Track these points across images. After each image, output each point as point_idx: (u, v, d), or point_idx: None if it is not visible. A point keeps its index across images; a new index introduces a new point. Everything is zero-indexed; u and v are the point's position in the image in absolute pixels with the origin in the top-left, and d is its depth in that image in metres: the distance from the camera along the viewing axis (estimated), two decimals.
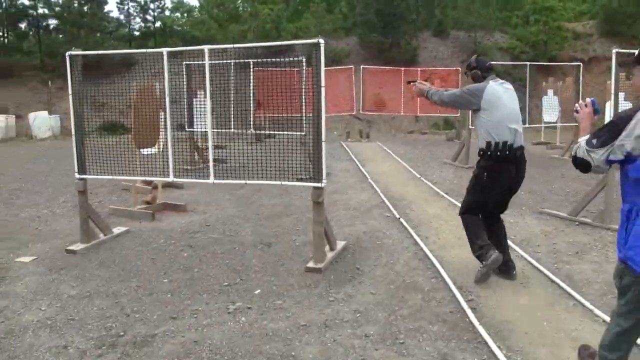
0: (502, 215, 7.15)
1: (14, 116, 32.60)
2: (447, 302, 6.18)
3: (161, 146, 9.96)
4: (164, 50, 8.09)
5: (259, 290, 6.61)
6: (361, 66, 26.59)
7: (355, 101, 25.55)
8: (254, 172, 7.93)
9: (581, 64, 21.22)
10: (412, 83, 7.64)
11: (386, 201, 11.37)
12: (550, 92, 21.07)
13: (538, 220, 9.90)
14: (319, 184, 7.28)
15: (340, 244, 8.23)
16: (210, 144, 8.18)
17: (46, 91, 39.15)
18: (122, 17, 46.42)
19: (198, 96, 15.05)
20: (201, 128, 15.20)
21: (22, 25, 43.54)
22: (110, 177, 8.72)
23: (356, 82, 25.80)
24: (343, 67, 27.75)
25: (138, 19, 46.66)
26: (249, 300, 6.30)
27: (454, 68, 26.32)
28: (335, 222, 9.71)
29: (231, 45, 7.92)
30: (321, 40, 6.98)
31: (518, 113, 6.77)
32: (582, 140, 4.07)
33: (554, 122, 21.59)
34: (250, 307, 6.11)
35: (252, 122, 16.82)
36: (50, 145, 25.91)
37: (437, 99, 7.15)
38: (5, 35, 43.35)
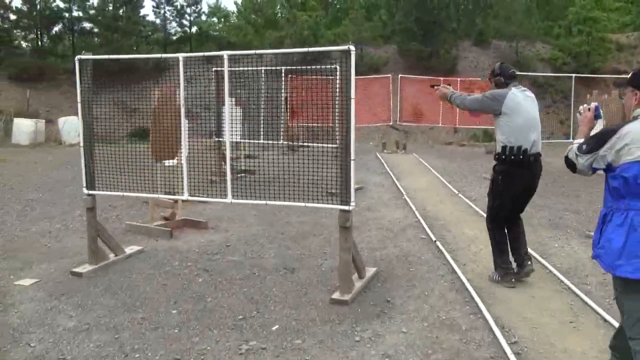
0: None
1: (43, 121, 32.23)
2: (488, 345, 5.44)
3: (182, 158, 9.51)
4: (180, 56, 7.49)
5: (276, 326, 5.91)
6: (399, 75, 25.91)
7: (392, 111, 24.86)
8: (283, 186, 7.19)
9: None
10: (435, 87, 7.84)
11: (422, 221, 10.63)
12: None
13: (586, 245, 9.03)
14: (346, 207, 6.57)
15: (370, 271, 7.49)
16: (228, 155, 7.50)
17: None
18: (158, 21, 46.31)
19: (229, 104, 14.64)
20: (230, 137, 14.84)
21: (57, 28, 43.53)
22: (122, 193, 8.07)
23: (394, 92, 25.11)
24: (381, 75, 27.14)
25: (174, 23, 46.66)
26: (264, 339, 5.60)
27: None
28: (366, 243, 9.05)
29: (253, 52, 7.26)
30: (352, 47, 6.33)
31: (538, 121, 7.00)
32: (576, 143, 4.47)
33: None
34: (265, 347, 5.41)
35: (284, 132, 16.30)
36: (77, 152, 25.47)
37: (460, 103, 7.41)
38: (40, 38, 43.29)
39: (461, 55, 39.18)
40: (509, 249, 7.33)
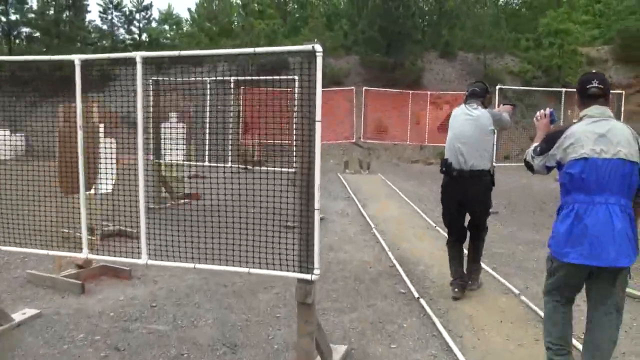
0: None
1: None
2: None
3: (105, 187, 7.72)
4: (76, 58, 5.58)
5: None
6: (363, 88, 24.15)
7: (355, 127, 23.07)
8: (231, 216, 5.64)
9: (623, 92, 18.64)
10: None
11: (398, 266, 8.83)
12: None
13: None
14: (307, 276, 4.78)
15: (338, 352, 5.62)
16: (142, 202, 5.55)
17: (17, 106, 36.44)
18: (105, 27, 44.15)
19: (170, 120, 12.90)
20: (171, 158, 13.06)
21: None
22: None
23: (357, 106, 23.35)
24: (343, 88, 25.31)
25: (122, 30, 44.52)
26: None
27: (464, 93, 23.95)
28: (331, 303, 7.21)
29: (176, 53, 5.39)
30: (318, 47, 4.71)
31: (467, 136, 7.18)
32: (532, 146, 5.10)
33: None
34: None
35: (237, 151, 14.68)
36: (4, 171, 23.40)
37: None
38: None
39: (427, 67, 37.50)
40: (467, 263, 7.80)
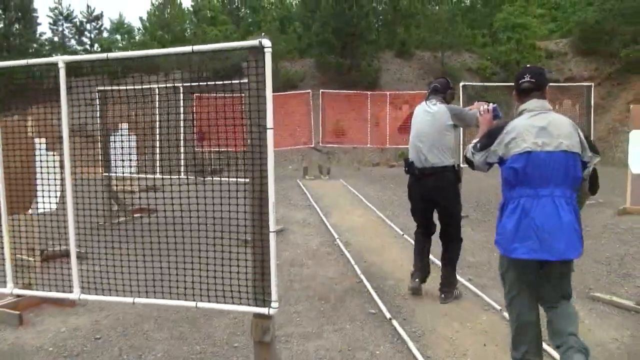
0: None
1: None
2: None
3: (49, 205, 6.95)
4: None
5: None
6: (320, 90, 23.52)
7: (313, 131, 22.42)
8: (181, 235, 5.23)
9: (592, 84, 18.10)
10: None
11: (365, 282, 8.20)
12: None
13: (595, 313, 6.87)
14: (264, 310, 4.10)
15: None
16: (71, 226, 4.83)
17: None
18: (56, 38, 43.05)
19: (120, 131, 12.28)
20: (121, 171, 12.46)
21: None
22: None
23: (314, 109, 22.70)
24: (299, 91, 24.65)
25: (73, 41, 43.45)
26: None
27: (422, 92, 23.47)
28: (295, 328, 6.55)
29: (105, 55, 4.71)
30: (266, 42, 4.44)
31: (429, 135, 7.15)
32: (473, 142, 5.07)
33: None
34: None
35: (192, 160, 14.39)
36: None
37: None
38: None
39: (383, 67, 36.94)
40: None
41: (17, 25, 38.81)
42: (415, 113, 7.45)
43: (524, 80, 4.78)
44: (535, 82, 4.77)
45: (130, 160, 12.34)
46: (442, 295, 7.34)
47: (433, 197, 7.25)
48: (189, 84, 13.23)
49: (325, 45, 36.09)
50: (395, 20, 42.70)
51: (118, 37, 53.30)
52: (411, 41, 39.71)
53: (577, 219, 4.55)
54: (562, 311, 4.67)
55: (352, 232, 11.69)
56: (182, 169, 13.99)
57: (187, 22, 49.14)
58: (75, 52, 42.85)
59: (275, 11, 51.26)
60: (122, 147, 10.67)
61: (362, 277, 8.44)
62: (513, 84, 4.92)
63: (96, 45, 44.60)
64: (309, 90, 23.62)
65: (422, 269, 7.49)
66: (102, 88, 12.00)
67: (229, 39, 38.07)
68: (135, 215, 12.42)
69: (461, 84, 15.07)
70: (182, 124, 13.66)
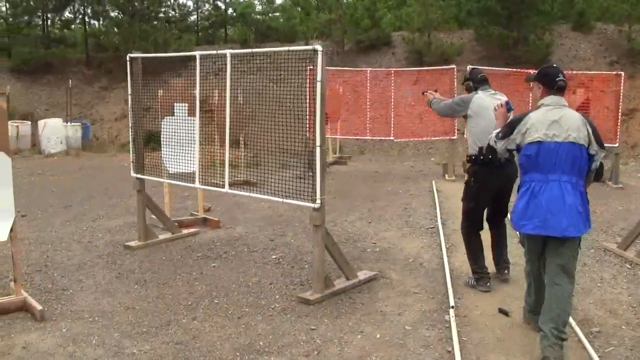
0: None
1: (28, 123, 27.04)
2: None
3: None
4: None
5: None
6: (467, 67, 19.90)
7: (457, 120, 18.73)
8: None
9: None
10: (424, 93, 8.68)
11: None
12: None
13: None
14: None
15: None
16: None
17: (89, 91, 34.05)
18: (190, 3, 42.05)
19: (177, 113, 10.15)
20: (182, 168, 10.17)
21: (67, 12, 38.83)
22: None
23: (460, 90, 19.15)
24: (443, 67, 20.94)
25: (207, 5, 42.47)
26: None
27: (603, 72, 19.40)
28: None
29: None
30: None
31: (494, 122, 7.37)
32: (494, 132, 6.09)
33: None
34: None
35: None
36: (51, 165, 21.33)
37: (435, 109, 8.29)
38: (47, 23, 38.41)
39: (556, 42, 32.76)
40: (493, 251, 7.92)
41: None
42: (478, 101, 7.62)
43: (560, 79, 5.67)
44: (566, 82, 5.70)
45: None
46: (506, 271, 7.88)
47: (508, 184, 7.54)
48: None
49: (487, 15, 32.89)
50: None
51: (256, 0, 51.22)
52: (592, 11, 35.45)
53: (583, 202, 5.45)
54: (557, 290, 5.46)
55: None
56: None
57: None
58: (208, 19, 41.76)
59: None
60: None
61: None
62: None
63: (230, 9, 43.62)
64: (454, 66, 19.88)
65: (485, 268, 7.71)
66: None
67: (376, 5, 35.52)
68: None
69: None
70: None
